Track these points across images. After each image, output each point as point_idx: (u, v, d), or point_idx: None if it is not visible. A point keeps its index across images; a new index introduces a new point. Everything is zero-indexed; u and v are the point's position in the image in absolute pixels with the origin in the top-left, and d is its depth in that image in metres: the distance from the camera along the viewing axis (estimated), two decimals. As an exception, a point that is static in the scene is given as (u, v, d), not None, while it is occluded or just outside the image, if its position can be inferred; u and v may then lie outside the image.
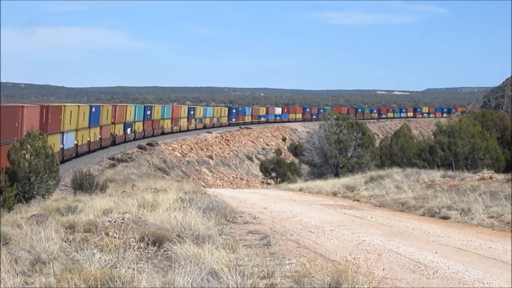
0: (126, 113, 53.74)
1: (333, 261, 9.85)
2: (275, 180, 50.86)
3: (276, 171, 51.77)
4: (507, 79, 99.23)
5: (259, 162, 66.38)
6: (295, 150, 73.93)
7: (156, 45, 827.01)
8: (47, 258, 8.54)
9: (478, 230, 14.29)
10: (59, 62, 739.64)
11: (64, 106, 37.44)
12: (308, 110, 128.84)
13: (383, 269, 9.33)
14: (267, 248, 10.70)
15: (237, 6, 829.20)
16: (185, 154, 59.09)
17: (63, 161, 35.69)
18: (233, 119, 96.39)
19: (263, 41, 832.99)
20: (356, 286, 7.56)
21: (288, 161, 58.12)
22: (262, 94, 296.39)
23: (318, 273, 8.12)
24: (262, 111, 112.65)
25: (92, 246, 9.33)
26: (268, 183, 50.96)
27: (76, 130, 39.11)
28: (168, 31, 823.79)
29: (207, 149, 65.80)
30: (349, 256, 9.71)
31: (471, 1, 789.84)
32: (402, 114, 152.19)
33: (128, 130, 55.09)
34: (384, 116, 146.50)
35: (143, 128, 60.23)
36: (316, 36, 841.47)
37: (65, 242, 9.64)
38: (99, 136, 45.62)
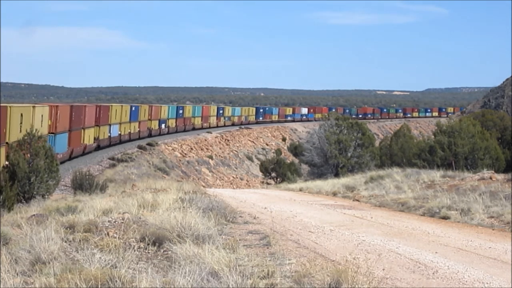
0: (160, 112, 65.03)
1: (333, 261, 9.85)
2: (275, 180, 50.84)
3: (276, 171, 51.75)
4: (507, 79, 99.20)
5: (259, 162, 66.36)
6: (295, 150, 73.89)
7: (156, 45, 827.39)
8: (47, 258, 8.54)
9: (478, 230, 14.29)
10: (59, 62, 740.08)
11: (112, 105, 49.43)
12: (334, 110, 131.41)
13: (383, 269, 9.33)
14: (267, 248, 10.70)
15: (237, 6, 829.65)
16: (185, 154, 59.08)
17: (110, 145, 48.40)
18: (260, 118, 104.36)
19: (263, 41, 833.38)
20: (356, 286, 7.56)
21: (288, 161, 58.10)
22: (262, 94, 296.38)
23: (318, 273, 8.12)
24: (289, 111, 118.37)
25: (92, 246, 9.34)
26: (268, 183, 50.94)
27: (120, 123, 50.72)
28: (168, 31, 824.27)
29: (207, 149, 65.78)
30: (349, 256, 9.71)
31: (471, 1, 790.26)
32: (427, 113, 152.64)
33: (163, 126, 65.73)
34: (409, 115, 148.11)
35: (176, 124, 70.49)
36: (316, 36, 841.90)
37: (65, 242, 9.64)
38: (138, 129, 56.91)
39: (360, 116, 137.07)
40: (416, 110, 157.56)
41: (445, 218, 16.12)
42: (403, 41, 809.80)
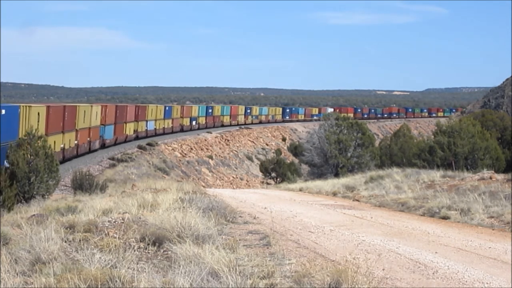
0: (192, 111, 76.57)
1: (333, 261, 9.85)
2: (275, 180, 50.82)
3: (276, 171, 51.72)
4: (507, 79, 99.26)
5: (259, 162, 66.33)
6: (295, 150, 73.89)
7: (156, 45, 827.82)
8: (47, 258, 8.54)
9: (478, 230, 14.28)
10: (59, 62, 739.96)
11: (148, 106, 62.76)
12: (359, 110, 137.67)
13: (383, 269, 9.33)
14: (267, 248, 10.69)
15: (237, 6, 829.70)
16: (185, 154, 59.05)
17: (147, 137, 58.82)
18: (287, 117, 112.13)
19: (263, 41, 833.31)
20: (356, 286, 7.56)
21: (288, 161, 58.08)
22: (262, 94, 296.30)
23: (318, 273, 8.12)
24: (315, 111, 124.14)
25: (92, 246, 9.33)
26: (268, 183, 50.92)
27: (155, 120, 62.30)
28: (168, 31, 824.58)
29: (207, 149, 65.74)
30: (349, 256, 9.70)
31: (471, 1, 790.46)
32: (452, 113, 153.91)
33: (193, 122, 75.74)
34: (434, 115, 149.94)
35: (206, 122, 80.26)
36: (316, 36, 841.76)
37: (65, 242, 9.63)
38: (171, 125, 68.02)
39: (386, 115, 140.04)
40: (441, 110, 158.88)
41: (445, 218, 16.12)
42: (403, 41, 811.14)
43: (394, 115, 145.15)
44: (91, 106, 42.74)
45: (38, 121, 30.03)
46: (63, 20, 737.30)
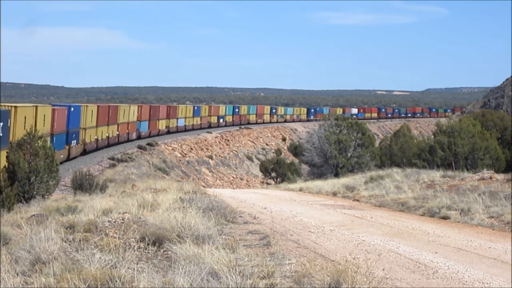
0: (219, 110, 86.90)
1: (333, 261, 9.85)
2: (275, 180, 50.80)
3: (276, 171, 51.69)
4: (507, 79, 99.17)
5: (259, 162, 66.32)
6: (295, 150, 73.76)
7: (156, 45, 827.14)
8: (47, 258, 8.54)
9: (478, 230, 14.29)
10: (59, 62, 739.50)
11: (179, 106, 74.14)
12: (383, 110, 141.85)
13: (383, 269, 9.33)
14: (267, 248, 10.69)
15: (237, 6, 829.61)
16: (185, 154, 59.04)
17: (177, 132, 68.49)
18: (312, 117, 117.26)
19: (263, 41, 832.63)
20: (356, 286, 7.56)
21: (288, 161, 58.05)
22: (262, 94, 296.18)
23: (318, 273, 8.12)
24: (339, 111, 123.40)
25: (92, 246, 9.34)
26: (268, 183, 50.89)
27: (185, 117, 71.78)
28: (168, 31, 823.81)
29: (207, 149, 65.73)
30: (349, 256, 9.70)
31: (471, 1, 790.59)
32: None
33: (221, 120, 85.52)
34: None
35: (232, 120, 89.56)
36: (316, 36, 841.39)
37: (65, 242, 9.64)
38: (199, 122, 77.17)
39: (409, 115, 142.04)
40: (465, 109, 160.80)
41: (445, 218, 16.12)
42: (403, 41, 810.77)
43: (418, 114, 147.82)
44: (129, 106, 54.36)
45: (92, 116, 40.80)
46: (63, 20, 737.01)
